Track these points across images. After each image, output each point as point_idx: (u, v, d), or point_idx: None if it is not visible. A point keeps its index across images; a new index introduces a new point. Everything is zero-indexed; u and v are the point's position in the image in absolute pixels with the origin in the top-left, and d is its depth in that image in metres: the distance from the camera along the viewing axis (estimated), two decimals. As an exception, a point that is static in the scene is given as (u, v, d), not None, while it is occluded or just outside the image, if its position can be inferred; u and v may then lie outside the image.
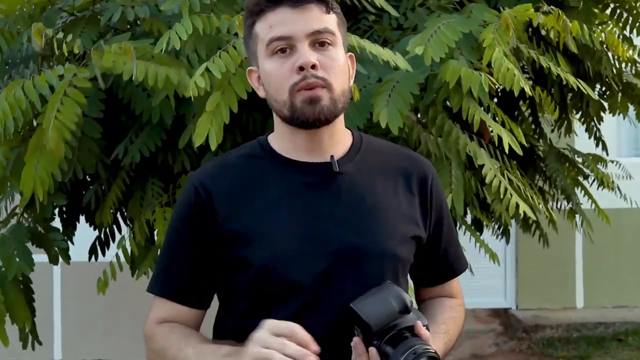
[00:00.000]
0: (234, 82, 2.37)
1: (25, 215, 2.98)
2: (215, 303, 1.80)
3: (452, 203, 2.73)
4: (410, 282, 1.92)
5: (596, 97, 3.44)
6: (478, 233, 3.37)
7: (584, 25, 2.84)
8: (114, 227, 3.26)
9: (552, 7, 2.74)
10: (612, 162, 4.41)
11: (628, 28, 3.54)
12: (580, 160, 4.21)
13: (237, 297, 1.72)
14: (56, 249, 2.94)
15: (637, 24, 3.49)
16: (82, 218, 3.26)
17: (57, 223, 3.10)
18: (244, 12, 1.70)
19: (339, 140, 1.72)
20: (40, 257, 2.91)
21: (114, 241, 3.26)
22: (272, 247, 1.63)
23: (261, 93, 1.71)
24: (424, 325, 1.55)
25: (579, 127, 4.32)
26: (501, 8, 2.78)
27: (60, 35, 2.50)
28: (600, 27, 3.39)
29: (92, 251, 3.26)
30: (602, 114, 3.96)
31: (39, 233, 2.95)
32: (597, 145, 4.16)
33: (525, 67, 3.25)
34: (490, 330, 6.95)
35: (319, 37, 1.61)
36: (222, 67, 2.30)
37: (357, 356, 1.55)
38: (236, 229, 1.66)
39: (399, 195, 1.74)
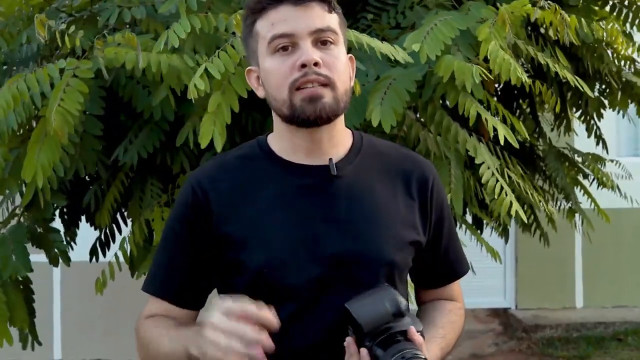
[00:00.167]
0: (234, 81, 2.37)
1: (26, 216, 2.98)
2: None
3: (451, 202, 2.73)
4: (411, 285, 1.92)
5: (592, 95, 3.43)
6: (478, 232, 3.38)
7: (583, 20, 2.83)
8: (114, 227, 3.26)
9: (549, 1, 2.74)
10: (612, 161, 4.42)
11: (628, 24, 3.53)
12: (579, 159, 4.22)
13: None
14: (56, 250, 2.94)
15: (638, 20, 3.49)
16: (82, 218, 3.26)
17: (58, 224, 3.10)
18: (244, 10, 1.68)
19: (338, 141, 1.70)
20: (40, 256, 2.91)
21: (114, 242, 3.26)
22: (268, 251, 1.62)
23: (260, 93, 1.69)
24: (418, 331, 1.54)
25: (578, 127, 4.32)
26: (499, 5, 2.78)
27: (63, 26, 2.49)
28: (600, 23, 3.38)
29: (93, 252, 3.26)
30: (602, 111, 3.96)
31: (39, 234, 2.95)
32: (597, 143, 4.16)
33: (525, 65, 3.26)
34: (490, 330, 6.95)
35: (322, 35, 1.59)
36: (220, 67, 2.30)
37: (349, 356, 1.54)
38: (232, 231, 1.65)
39: (398, 199, 1.72)
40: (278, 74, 1.60)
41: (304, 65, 1.56)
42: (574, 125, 4.20)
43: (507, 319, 7.14)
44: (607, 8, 3.53)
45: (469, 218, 3.45)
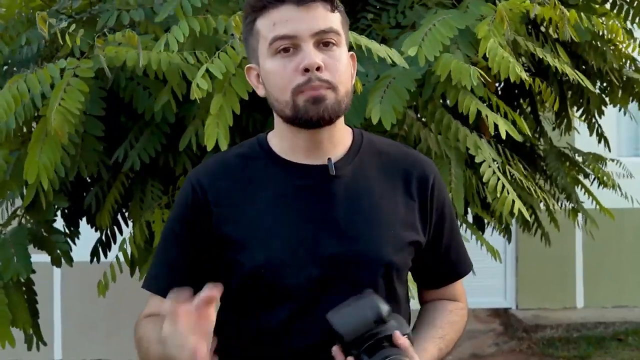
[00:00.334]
0: (235, 83, 2.37)
1: (27, 217, 2.98)
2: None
3: (452, 201, 2.73)
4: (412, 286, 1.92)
5: (593, 89, 3.42)
6: (479, 232, 3.38)
7: (582, 15, 2.83)
8: (115, 228, 3.26)
9: None
10: (612, 160, 4.42)
11: (629, 21, 3.53)
12: (580, 159, 4.22)
13: (232, 298, 1.71)
14: (58, 251, 2.94)
15: (638, 17, 3.49)
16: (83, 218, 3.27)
17: (59, 225, 3.11)
18: (245, 8, 1.67)
19: (338, 141, 1.69)
20: (40, 257, 2.91)
21: (115, 243, 3.27)
22: (266, 252, 1.62)
23: (260, 92, 1.68)
24: (405, 334, 1.54)
25: (579, 126, 4.32)
26: (498, 2, 2.78)
27: (64, 24, 2.49)
28: (600, 18, 3.38)
29: (94, 253, 3.26)
30: (603, 108, 3.96)
31: (41, 235, 2.95)
32: (599, 141, 4.16)
33: (525, 63, 3.25)
34: (490, 330, 6.95)
35: (324, 37, 1.58)
36: (222, 68, 2.30)
37: None
38: (230, 231, 1.65)
39: (398, 198, 1.71)
40: (280, 76, 1.59)
41: (306, 70, 1.56)
42: (574, 124, 4.20)
43: (508, 319, 7.14)
44: (607, 5, 3.53)
45: (470, 217, 3.45)
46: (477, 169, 2.79)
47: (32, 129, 2.86)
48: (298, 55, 1.57)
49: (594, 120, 4.03)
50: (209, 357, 1.41)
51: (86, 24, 2.82)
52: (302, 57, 1.56)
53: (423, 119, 2.88)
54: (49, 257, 2.99)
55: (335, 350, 1.54)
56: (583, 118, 4.01)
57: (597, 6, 3.45)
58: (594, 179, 4.25)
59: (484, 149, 2.72)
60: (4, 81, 2.92)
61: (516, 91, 3.75)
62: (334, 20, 1.61)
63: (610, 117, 4.41)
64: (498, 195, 2.71)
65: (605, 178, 4.18)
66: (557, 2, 2.67)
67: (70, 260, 2.95)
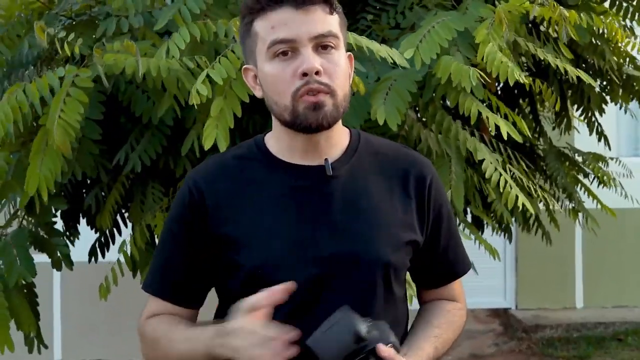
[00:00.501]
0: (235, 86, 2.37)
1: (27, 219, 2.98)
2: (214, 302, 1.80)
3: (451, 199, 2.73)
4: (411, 285, 1.92)
5: (594, 84, 3.43)
6: (479, 232, 3.38)
7: (582, 15, 2.83)
8: (114, 229, 3.26)
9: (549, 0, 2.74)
10: (612, 159, 4.42)
11: (628, 19, 3.54)
12: (580, 159, 4.22)
13: (229, 299, 1.71)
14: (59, 254, 2.94)
15: (638, 14, 3.49)
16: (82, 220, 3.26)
17: (58, 225, 3.11)
18: (242, 9, 1.66)
19: (336, 142, 1.70)
20: (40, 257, 2.91)
21: (114, 243, 3.27)
22: (263, 252, 1.63)
23: (258, 93, 1.68)
24: (388, 343, 1.53)
25: (578, 126, 4.32)
26: (497, 3, 2.78)
27: (63, 34, 2.49)
28: (600, 17, 3.39)
29: (92, 253, 3.26)
30: (603, 106, 3.96)
31: (41, 237, 2.96)
32: (599, 140, 4.16)
33: (526, 62, 3.26)
34: (490, 330, 6.94)
35: (323, 40, 1.58)
36: (222, 73, 2.31)
37: None
38: (228, 232, 1.65)
39: (395, 198, 1.71)
40: (279, 80, 1.59)
41: (305, 74, 1.56)
42: (575, 124, 4.20)
43: (507, 319, 7.14)
44: (607, 3, 3.54)
45: (469, 217, 3.45)
46: (478, 168, 2.79)
47: (35, 128, 2.86)
48: (297, 59, 1.57)
49: (593, 119, 4.03)
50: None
51: (85, 27, 2.82)
52: (301, 61, 1.56)
53: (423, 119, 2.89)
54: (49, 257, 3.00)
55: None
56: (583, 117, 4.02)
57: (595, 5, 3.46)
58: (594, 179, 4.25)
59: (484, 153, 2.72)
60: (4, 82, 2.93)
61: (516, 91, 3.75)
62: (333, 22, 1.61)
63: (610, 118, 4.42)
64: (501, 190, 2.71)
65: (605, 177, 4.18)
66: (555, 4, 2.68)
67: (70, 264, 2.95)
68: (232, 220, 1.66)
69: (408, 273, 1.86)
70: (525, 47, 2.83)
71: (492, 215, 3.46)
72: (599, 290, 7.34)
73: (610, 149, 4.28)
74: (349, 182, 1.68)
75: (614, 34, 3.24)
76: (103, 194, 3.06)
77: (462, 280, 1.90)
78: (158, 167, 2.87)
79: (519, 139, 2.68)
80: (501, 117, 2.74)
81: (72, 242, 3.23)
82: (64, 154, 2.47)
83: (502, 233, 3.93)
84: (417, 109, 2.89)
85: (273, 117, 1.68)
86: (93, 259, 3.28)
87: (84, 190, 3.17)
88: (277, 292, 1.51)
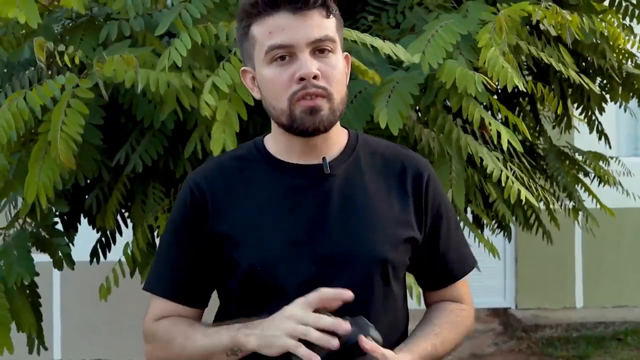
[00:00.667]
0: (240, 89, 2.37)
1: (29, 220, 2.99)
2: (215, 302, 1.80)
3: (452, 197, 2.73)
4: (416, 284, 1.92)
5: (596, 89, 3.43)
6: (478, 230, 3.38)
7: (584, 18, 2.83)
8: (115, 229, 3.26)
9: (550, 3, 2.74)
10: (612, 158, 4.42)
11: (628, 18, 3.54)
12: (580, 158, 4.22)
13: (228, 298, 1.74)
14: (60, 254, 2.95)
15: (637, 13, 3.49)
16: (82, 219, 3.26)
17: (58, 225, 3.11)
18: (239, 12, 1.68)
19: (333, 142, 1.71)
20: (40, 257, 2.91)
21: (114, 243, 3.27)
22: (260, 250, 1.64)
23: (256, 94, 1.70)
24: (370, 335, 1.53)
25: (578, 125, 4.32)
26: (498, 5, 2.78)
27: (62, 47, 2.49)
28: (600, 17, 3.39)
29: (94, 254, 3.26)
30: (603, 105, 3.96)
31: (43, 238, 2.96)
32: (599, 138, 4.16)
33: (527, 62, 3.26)
34: (490, 330, 6.94)
35: (320, 45, 1.60)
36: (227, 80, 2.32)
37: None
38: (226, 230, 1.67)
39: (392, 196, 1.72)
40: (277, 84, 1.61)
41: (302, 79, 1.58)
42: (575, 123, 4.20)
43: (507, 319, 7.14)
44: (606, 2, 3.54)
45: (469, 217, 3.45)
46: (479, 166, 2.79)
47: (34, 128, 2.87)
48: (294, 63, 1.59)
49: (594, 117, 4.03)
50: None
51: (86, 30, 2.81)
52: (298, 65, 1.58)
53: (424, 120, 2.88)
54: (49, 257, 3.00)
55: None
56: (583, 116, 4.02)
57: (596, 4, 3.46)
58: (594, 177, 4.25)
59: (485, 156, 2.72)
60: (4, 83, 2.92)
61: (516, 90, 3.75)
62: (330, 26, 1.63)
63: (610, 118, 4.42)
64: (503, 184, 2.70)
65: (606, 176, 4.18)
66: (558, 9, 2.68)
67: (72, 263, 2.96)
68: (231, 219, 1.67)
69: (412, 276, 1.87)
70: (527, 51, 2.83)
71: (492, 214, 3.46)
72: (598, 290, 7.35)
73: (610, 147, 4.28)
74: (347, 180, 1.70)
75: (615, 38, 3.24)
76: (104, 193, 3.05)
77: (467, 281, 1.89)
78: (158, 168, 2.87)
79: (518, 146, 2.69)
80: (501, 119, 2.75)
81: (72, 242, 3.23)
82: (70, 167, 2.48)
83: (502, 232, 3.94)
84: (418, 109, 2.89)
85: (271, 119, 1.70)
86: (95, 259, 3.27)
87: (84, 193, 3.16)
88: (329, 294, 1.53)
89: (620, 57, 3.67)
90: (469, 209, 3.34)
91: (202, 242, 1.69)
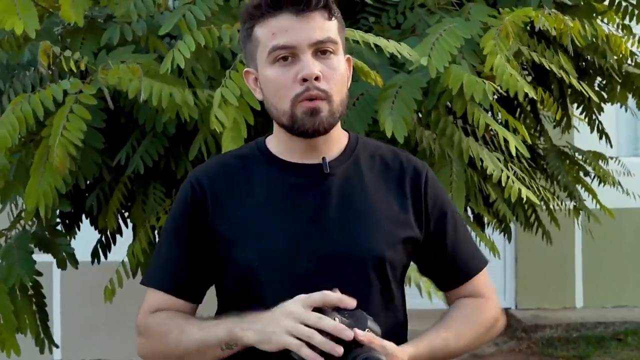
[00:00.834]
0: (247, 96, 2.37)
1: (31, 221, 2.99)
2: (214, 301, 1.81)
3: (452, 199, 2.73)
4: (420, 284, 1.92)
5: (596, 99, 3.44)
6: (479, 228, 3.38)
7: (586, 25, 2.84)
8: (115, 229, 3.26)
9: (553, 10, 2.75)
10: (612, 158, 4.42)
11: (627, 18, 3.54)
12: (580, 157, 4.22)
13: (226, 296, 1.75)
14: (63, 254, 2.96)
15: (637, 13, 3.50)
16: (83, 220, 3.26)
17: (59, 226, 3.11)
18: (242, 14, 1.70)
19: (334, 142, 1.73)
20: (40, 257, 2.92)
21: (115, 244, 3.28)
22: (257, 248, 1.65)
23: (258, 95, 1.72)
24: (368, 327, 1.52)
25: (578, 124, 4.33)
26: (500, 8, 2.78)
27: (68, 53, 2.50)
28: (600, 18, 3.39)
29: (94, 254, 3.26)
30: (602, 105, 3.96)
31: (46, 238, 2.97)
32: (600, 137, 4.16)
33: (525, 64, 3.26)
34: (490, 330, 6.93)
35: (322, 46, 1.62)
36: (235, 90, 2.32)
37: None
38: (225, 228, 1.68)
39: (391, 197, 1.73)
40: (279, 84, 1.63)
41: (305, 80, 1.59)
42: (575, 123, 4.20)
43: (507, 319, 7.06)
44: (606, 1, 3.54)
45: (469, 217, 3.45)
46: (477, 164, 2.79)
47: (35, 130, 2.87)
48: (297, 64, 1.61)
49: (594, 117, 4.04)
50: None
51: (87, 33, 2.81)
52: (300, 66, 1.60)
53: (426, 123, 2.88)
54: (49, 256, 3.01)
55: None
56: (584, 116, 4.02)
57: (596, 4, 3.46)
58: (594, 177, 4.26)
59: (487, 159, 2.72)
60: (5, 84, 2.92)
61: (520, 99, 3.75)
62: (332, 28, 1.64)
63: (610, 118, 4.42)
64: (503, 185, 2.71)
65: (605, 175, 4.18)
66: (561, 16, 2.68)
67: (75, 263, 2.98)
68: (231, 217, 1.68)
69: (429, 280, 1.87)
70: (529, 57, 2.84)
71: (492, 212, 3.46)
72: (598, 290, 7.34)
73: (612, 146, 4.28)
74: (346, 180, 1.71)
75: (618, 45, 3.25)
76: (104, 194, 3.05)
77: (484, 275, 1.87)
78: (159, 168, 2.87)
79: (526, 154, 2.70)
80: (501, 122, 2.75)
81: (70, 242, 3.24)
82: (63, 172, 2.49)
83: (502, 233, 3.94)
84: (419, 112, 2.89)
85: (273, 120, 1.71)
86: (96, 260, 3.28)
87: (85, 193, 3.16)
88: (333, 298, 1.52)
89: (620, 55, 3.68)
90: (469, 208, 3.34)
91: (201, 238, 1.70)
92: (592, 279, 7.34)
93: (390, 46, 2.44)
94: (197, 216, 1.70)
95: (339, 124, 1.72)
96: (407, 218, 1.73)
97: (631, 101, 3.99)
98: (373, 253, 1.68)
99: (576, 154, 4.22)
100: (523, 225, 4.03)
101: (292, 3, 1.60)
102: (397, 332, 1.72)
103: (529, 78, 3.41)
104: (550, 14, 2.68)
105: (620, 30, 3.65)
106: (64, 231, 3.14)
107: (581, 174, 4.21)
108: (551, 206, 3.75)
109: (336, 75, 1.63)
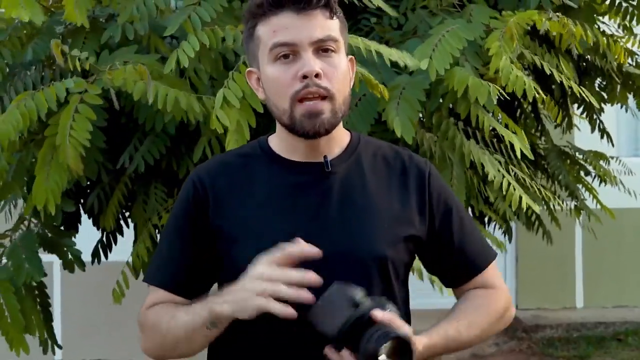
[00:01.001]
0: (250, 98, 2.38)
1: (34, 221, 3.00)
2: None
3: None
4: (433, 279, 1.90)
5: (596, 103, 3.44)
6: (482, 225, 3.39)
7: (588, 31, 2.84)
8: (116, 229, 3.27)
9: (557, 14, 2.75)
10: (612, 158, 4.43)
11: (628, 19, 3.54)
12: (581, 157, 4.22)
13: None
14: (70, 256, 2.98)
15: (637, 13, 3.50)
16: (83, 219, 3.26)
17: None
18: (245, 14, 1.70)
19: (336, 141, 1.73)
20: (40, 256, 2.92)
21: (115, 244, 3.28)
22: (258, 246, 1.63)
23: (261, 95, 1.72)
24: (387, 309, 1.52)
25: (579, 123, 4.33)
26: (504, 12, 2.78)
27: (75, 52, 2.50)
28: (601, 18, 3.39)
29: (95, 254, 3.26)
30: (602, 105, 3.97)
31: (50, 239, 2.98)
32: (602, 136, 4.16)
33: (527, 67, 3.26)
34: (490, 330, 6.93)
35: (323, 44, 1.62)
36: (238, 92, 2.32)
37: None
38: (225, 226, 1.69)
39: (393, 195, 1.73)
40: (279, 82, 1.63)
41: (305, 77, 1.60)
42: (576, 122, 4.20)
43: (508, 319, 7.13)
44: (607, 1, 3.55)
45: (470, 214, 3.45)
46: (478, 168, 2.80)
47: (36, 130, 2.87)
48: (297, 62, 1.61)
49: (595, 116, 4.04)
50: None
51: (89, 32, 2.82)
52: (301, 64, 1.60)
53: (428, 125, 2.88)
54: (49, 256, 3.03)
55: (329, 351, 1.53)
56: (585, 115, 4.02)
57: (597, 6, 3.46)
58: (595, 177, 4.26)
59: (487, 163, 2.73)
60: (6, 84, 2.92)
61: (530, 100, 3.75)
62: (333, 27, 1.65)
63: (610, 118, 4.42)
64: (504, 192, 2.71)
65: (606, 175, 4.18)
66: (566, 20, 2.68)
67: (82, 265, 3.00)
68: (231, 216, 1.69)
69: (437, 278, 1.87)
70: (531, 60, 2.84)
71: (494, 212, 3.46)
72: (599, 290, 7.35)
73: (613, 145, 4.29)
74: (347, 179, 1.71)
75: (618, 53, 3.26)
76: (105, 193, 3.05)
77: (492, 267, 1.86)
78: (160, 168, 2.87)
79: (530, 155, 2.70)
80: (502, 123, 2.76)
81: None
82: (78, 172, 2.50)
83: (503, 233, 3.94)
84: (421, 114, 2.89)
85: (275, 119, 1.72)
86: (96, 260, 3.28)
87: (87, 192, 3.16)
88: (294, 251, 1.52)
89: (619, 60, 3.68)
90: (470, 207, 3.34)
91: (203, 237, 1.71)
92: (592, 279, 7.35)
93: (393, 54, 2.44)
94: (198, 215, 1.71)
95: (341, 123, 1.72)
96: (410, 216, 1.73)
97: (631, 101, 3.99)
98: (374, 252, 1.68)
99: (577, 154, 4.22)
100: (525, 225, 4.03)
101: (293, 1, 1.61)
102: None
103: (530, 79, 3.40)
104: (551, 18, 2.68)
105: (621, 30, 3.65)
106: (69, 231, 3.14)
107: (582, 173, 4.21)
108: (552, 206, 3.75)
109: (338, 74, 1.63)
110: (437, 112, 2.72)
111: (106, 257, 3.28)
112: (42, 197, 2.53)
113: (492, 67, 2.53)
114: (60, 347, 3.18)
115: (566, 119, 3.98)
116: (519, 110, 3.80)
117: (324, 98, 1.61)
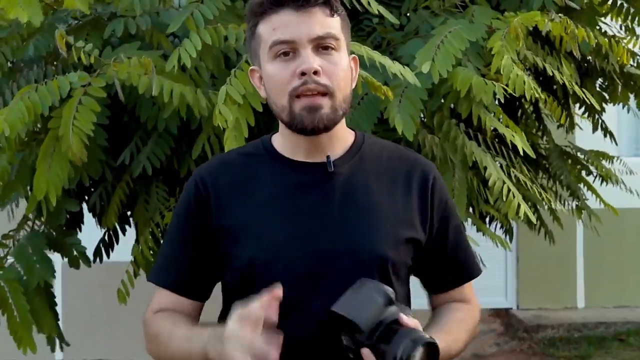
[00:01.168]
0: (249, 96, 2.38)
1: (38, 222, 3.00)
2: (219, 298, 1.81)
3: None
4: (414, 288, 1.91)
5: (597, 106, 3.45)
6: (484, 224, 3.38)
7: (590, 33, 2.84)
8: (118, 228, 3.27)
9: (560, 15, 2.75)
10: (613, 157, 4.43)
11: (629, 19, 3.54)
12: (582, 157, 4.22)
13: (229, 292, 1.76)
14: (75, 253, 2.98)
15: (638, 17, 3.50)
16: (84, 219, 3.27)
17: (61, 225, 3.12)
18: (247, 13, 1.71)
19: (339, 141, 1.73)
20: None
21: (117, 243, 3.28)
22: (259, 245, 1.66)
23: (262, 93, 1.73)
24: (408, 314, 1.54)
25: (581, 122, 4.33)
26: (507, 13, 2.78)
27: (80, 44, 2.50)
28: (603, 20, 3.39)
29: (97, 253, 3.27)
30: (604, 105, 3.97)
31: (56, 238, 2.99)
32: (604, 136, 4.16)
33: (530, 68, 3.26)
34: (491, 330, 6.95)
35: (322, 42, 1.63)
36: (240, 89, 2.33)
37: None
38: (227, 224, 1.69)
39: (396, 196, 1.74)
40: (278, 79, 1.64)
41: (304, 74, 1.60)
42: (577, 120, 4.20)
43: (509, 319, 7.14)
44: (609, 2, 3.55)
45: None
46: (479, 169, 2.79)
47: (37, 129, 2.87)
48: (297, 59, 1.62)
49: (597, 116, 4.04)
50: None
51: (91, 29, 2.82)
52: (300, 61, 1.61)
53: (430, 125, 2.88)
54: (50, 256, 3.00)
55: (366, 352, 1.52)
56: (587, 115, 4.03)
57: (598, 7, 3.46)
58: (596, 176, 4.26)
59: (489, 165, 2.73)
60: (8, 81, 2.92)
61: (530, 100, 3.75)
62: (333, 25, 1.65)
63: (611, 118, 4.41)
64: (504, 199, 2.71)
65: (608, 174, 4.18)
66: (568, 22, 2.68)
67: (88, 262, 3.01)
68: (234, 214, 1.70)
69: (420, 280, 1.87)
70: (533, 61, 2.84)
71: (497, 212, 3.46)
72: (600, 290, 7.35)
73: (617, 143, 4.29)
74: (350, 179, 1.71)
75: (620, 55, 3.26)
76: (107, 193, 3.06)
77: (471, 284, 1.90)
78: (162, 167, 2.87)
79: (532, 155, 2.70)
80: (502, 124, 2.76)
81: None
82: (82, 159, 2.49)
83: (504, 234, 3.94)
84: (422, 114, 2.89)
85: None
86: (98, 259, 3.28)
87: (90, 191, 3.16)
88: (267, 302, 1.50)
89: (621, 61, 3.68)
90: (473, 209, 3.34)
91: (205, 236, 1.71)
92: (593, 279, 7.35)
93: (394, 67, 2.44)
94: (200, 214, 1.71)
95: (343, 123, 1.72)
96: (412, 218, 1.74)
97: (633, 102, 3.99)
98: (375, 253, 1.68)
99: (578, 154, 4.22)
100: (527, 225, 4.03)
101: None
102: None
103: (531, 79, 3.41)
104: (554, 19, 2.68)
105: (623, 31, 3.64)
106: (75, 230, 3.14)
107: (583, 173, 4.21)
108: (553, 206, 3.75)
109: (337, 71, 1.63)
110: (438, 112, 2.72)
111: (108, 256, 3.29)
112: (43, 188, 2.52)
113: (494, 66, 2.52)
114: (67, 344, 3.19)
115: (568, 119, 3.98)
116: (520, 111, 3.81)
117: (323, 95, 1.61)
